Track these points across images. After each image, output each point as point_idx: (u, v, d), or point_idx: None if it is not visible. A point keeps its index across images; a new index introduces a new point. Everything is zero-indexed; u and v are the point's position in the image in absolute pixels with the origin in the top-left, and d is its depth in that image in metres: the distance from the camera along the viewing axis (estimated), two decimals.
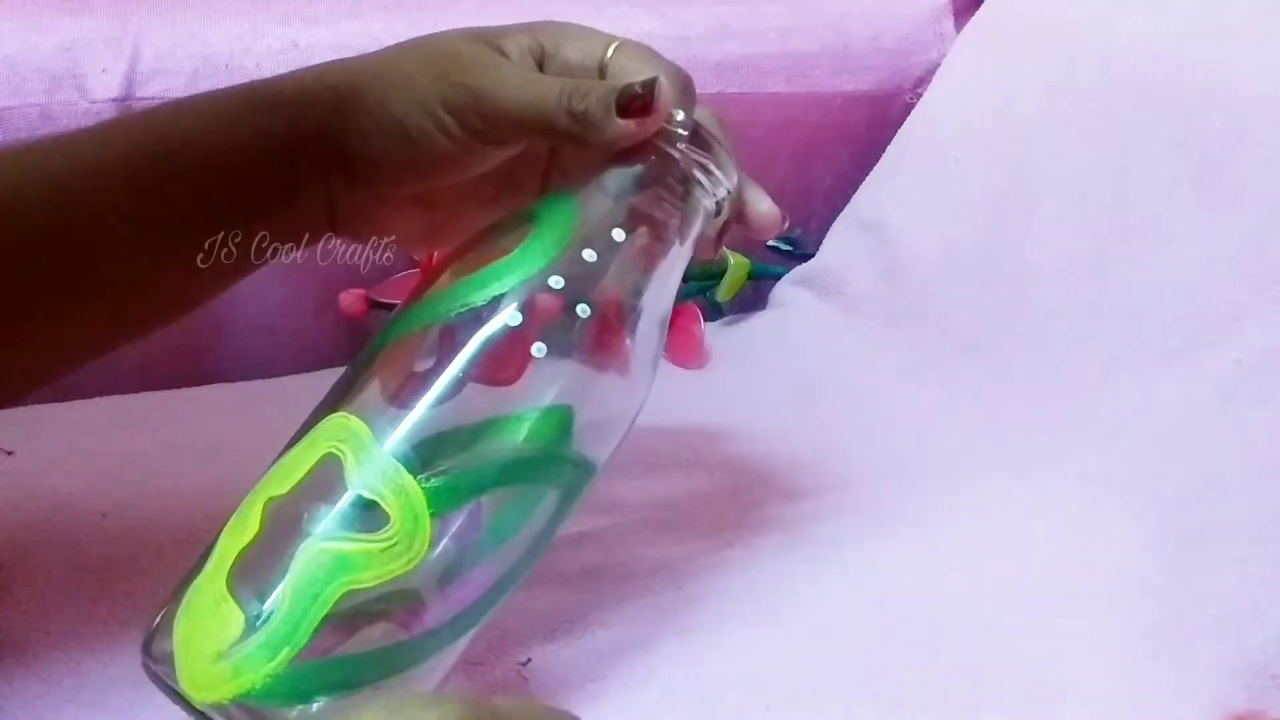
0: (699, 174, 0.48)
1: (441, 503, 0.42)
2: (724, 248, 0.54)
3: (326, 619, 0.41)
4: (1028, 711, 0.50)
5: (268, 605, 0.41)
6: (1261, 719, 0.48)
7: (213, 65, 0.79)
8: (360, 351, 0.47)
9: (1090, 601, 0.55)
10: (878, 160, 0.87)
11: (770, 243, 0.87)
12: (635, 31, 0.52)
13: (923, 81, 0.90)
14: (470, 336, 0.44)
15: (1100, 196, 0.73)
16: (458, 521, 0.43)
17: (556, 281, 0.45)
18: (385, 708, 0.29)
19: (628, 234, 0.46)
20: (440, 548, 0.42)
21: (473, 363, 0.44)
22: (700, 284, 0.85)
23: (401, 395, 0.44)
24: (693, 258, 0.49)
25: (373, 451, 0.43)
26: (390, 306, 0.78)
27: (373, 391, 0.45)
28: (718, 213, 0.49)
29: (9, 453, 0.64)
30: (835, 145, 0.90)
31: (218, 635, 0.41)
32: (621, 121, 0.46)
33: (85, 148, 0.49)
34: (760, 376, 0.78)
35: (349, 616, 0.41)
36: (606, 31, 0.51)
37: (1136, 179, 0.72)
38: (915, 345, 0.77)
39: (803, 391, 0.75)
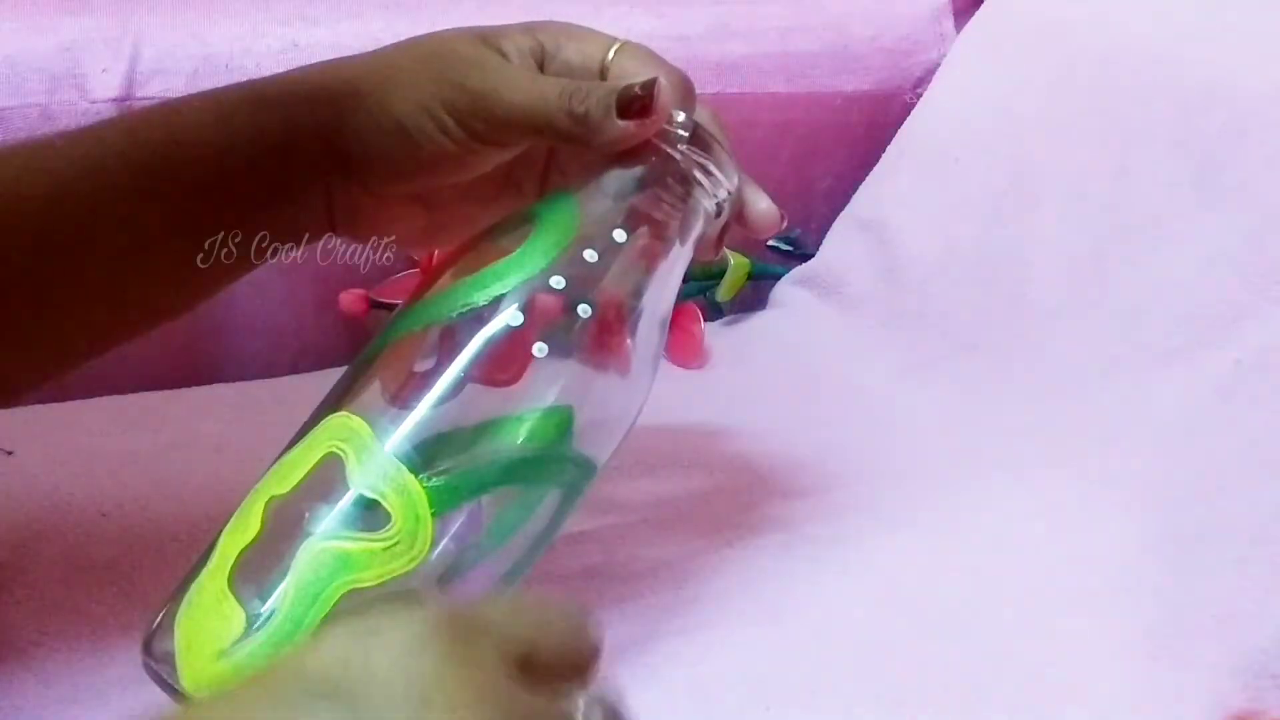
0: (699, 175, 0.48)
1: (443, 502, 0.42)
2: (724, 248, 0.54)
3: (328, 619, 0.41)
4: (1028, 711, 0.50)
5: (269, 604, 0.41)
6: (1262, 719, 0.48)
7: (213, 65, 0.79)
8: (361, 351, 0.47)
9: (1090, 601, 0.55)
10: (878, 160, 0.87)
11: (770, 243, 0.87)
12: (635, 31, 0.52)
13: (923, 81, 0.90)
14: (471, 336, 0.44)
15: (1100, 196, 0.73)
16: (458, 521, 0.43)
17: (558, 282, 0.45)
18: (352, 631, 0.28)
19: (628, 234, 0.47)
20: (441, 547, 0.43)
21: (474, 363, 0.44)
22: (700, 284, 0.85)
23: (403, 395, 0.44)
24: (693, 258, 0.49)
25: (374, 451, 0.43)
26: (390, 306, 0.78)
27: (374, 391, 0.45)
28: (718, 214, 0.49)
29: (9, 453, 0.64)
30: (835, 145, 0.90)
31: (219, 634, 0.41)
32: (621, 123, 0.47)
33: (84, 147, 0.49)
34: (760, 376, 0.78)
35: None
36: (607, 31, 0.51)
37: (1136, 179, 0.72)
38: (915, 345, 0.77)
39: (803, 391, 0.75)
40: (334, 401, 0.45)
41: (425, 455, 0.43)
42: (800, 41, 0.89)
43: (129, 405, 0.73)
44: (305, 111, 0.49)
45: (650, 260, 0.47)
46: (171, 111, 0.50)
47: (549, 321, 0.45)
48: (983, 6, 0.90)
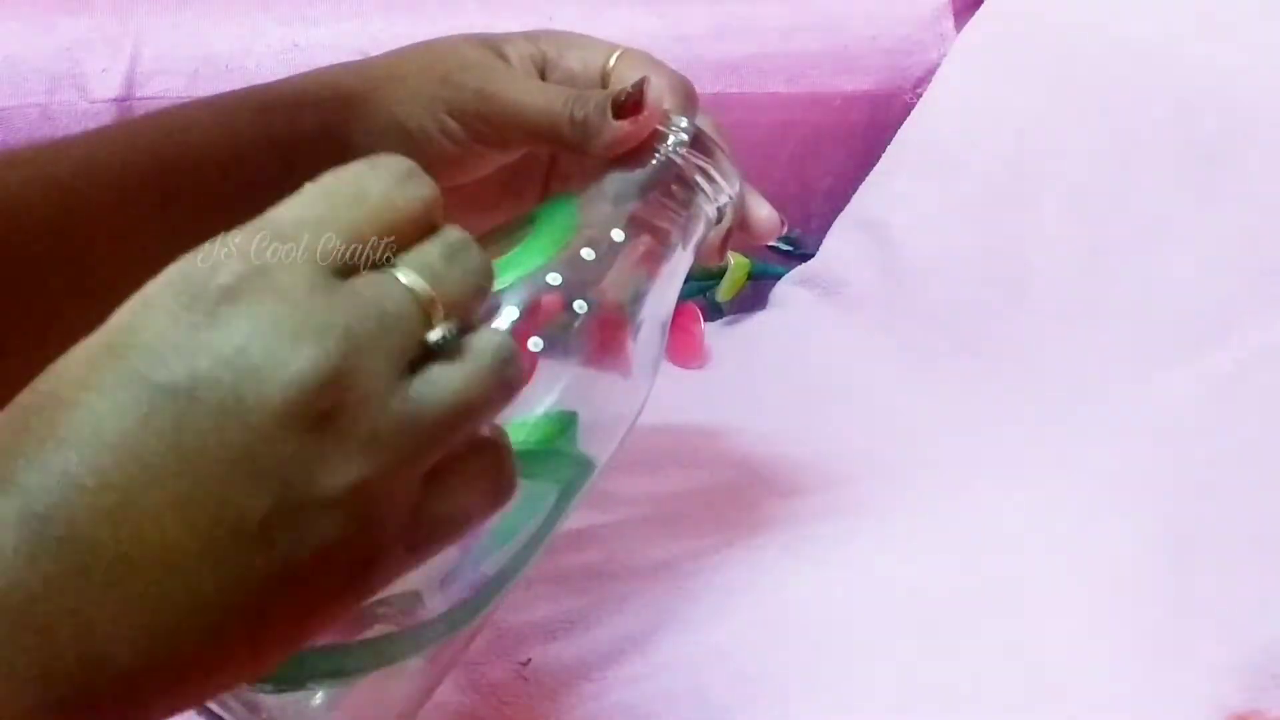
0: (700, 179, 0.48)
1: None
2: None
3: None
4: (1028, 711, 0.50)
5: None
6: (1262, 719, 0.48)
7: (213, 65, 0.79)
8: None
9: (1090, 601, 0.55)
10: (878, 160, 0.87)
11: (770, 243, 0.87)
12: (636, 31, 0.52)
13: (923, 81, 0.90)
14: None
15: (1100, 196, 0.73)
16: None
17: (554, 279, 0.45)
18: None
19: (627, 235, 0.47)
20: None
21: None
22: (700, 284, 0.85)
23: None
24: (695, 263, 0.50)
25: None
26: None
27: None
28: (719, 219, 0.49)
29: None
30: (835, 145, 0.90)
31: None
32: (616, 123, 0.47)
33: (89, 151, 0.49)
34: (760, 376, 0.78)
35: (352, 617, 0.41)
36: (607, 32, 0.51)
37: (1136, 179, 0.72)
38: (915, 345, 0.77)
39: (803, 391, 0.75)
40: None
41: None
42: (800, 41, 0.89)
43: None
44: (309, 115, 0.49)
45: (651, 264, 0.47)
46: (175, 116, 0.50)
47: (547, 319, 0.45)
48: (983, 6, 0.90)
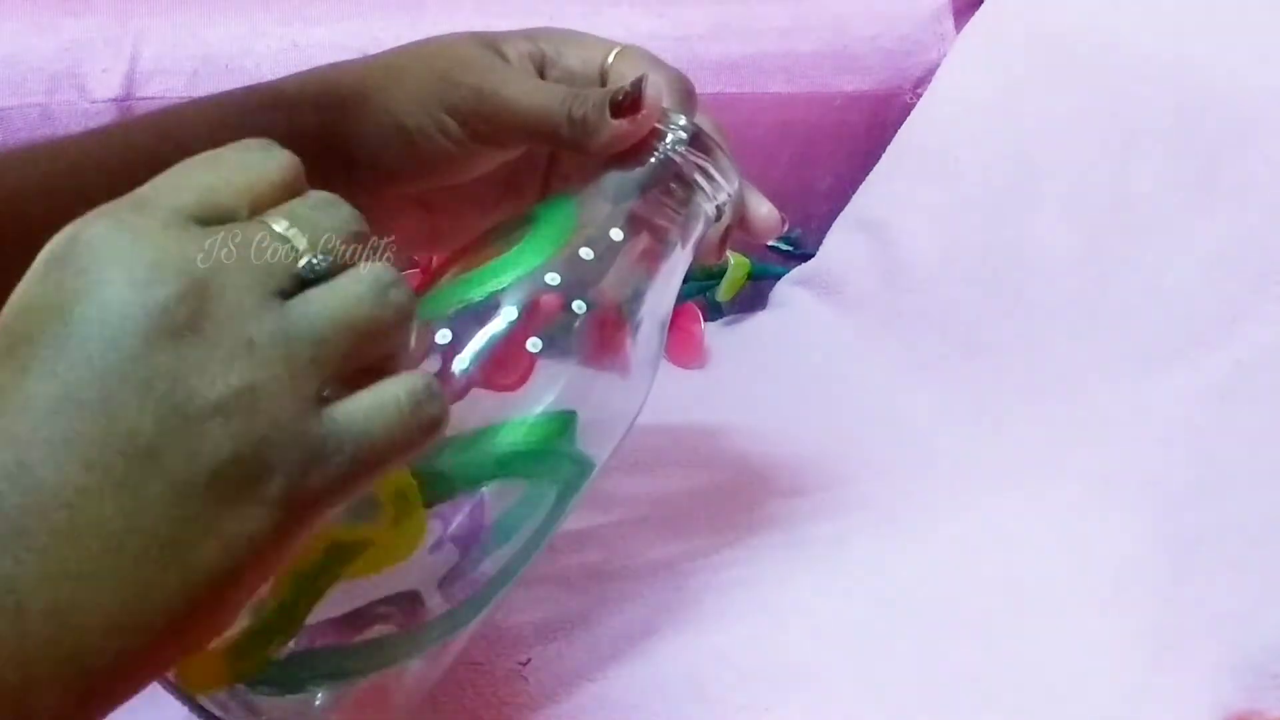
0: (699, 178, 0.48)
1: (434, 493, 0.42)
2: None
3: (331, 618, 0.41)
4: (1028, 712, 0.50)
5: (260, 593, 0.41)
6: (1262, 719, 0.48)
7: (213, 65, 0.79)
8: None
9: (1090, 602, 0.55)
10: (878, 160, 0.87)
11: (770, 242, 0.87)
12: (636, 31, 0.52)
13: (923, 81, 0.90)
14: (468, 333, 0.44)
15: (1100, 196, 0.73)
16: (459, 521, 0.43)
17: (553, 278, 0.45)
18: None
19: (626, 235, 0.47)
20: (443, 548, 0.42)
21: (472, 360, 0.44)
22: (700, 284, 0.85)
23: None
24: (695, 261, 0.49)
25: None
26: None
27: None
28: (718, 217, 0.49)
29: None
30: (835, 145, 0.90)
31: None
32: (614, 121, 0.47)
33: (87, 151, 0.49)
34: (760, 376, 0.78)
35: (352, 619, 0.41)
36: (607, 31, 0.51)
37: (1136, 179, 0.72)
38: (915, 345, 0.77)
39: (802, 391, 0.75)
40: None
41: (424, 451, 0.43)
42: (800, 41, 0.89)
43: None
44: (308, 114, 0.49)
45: (650, 262, 0.47)
46: (174, 115, 0.50)
47: (546, 318, 0.45)
48: (983, 6, 0.90)
